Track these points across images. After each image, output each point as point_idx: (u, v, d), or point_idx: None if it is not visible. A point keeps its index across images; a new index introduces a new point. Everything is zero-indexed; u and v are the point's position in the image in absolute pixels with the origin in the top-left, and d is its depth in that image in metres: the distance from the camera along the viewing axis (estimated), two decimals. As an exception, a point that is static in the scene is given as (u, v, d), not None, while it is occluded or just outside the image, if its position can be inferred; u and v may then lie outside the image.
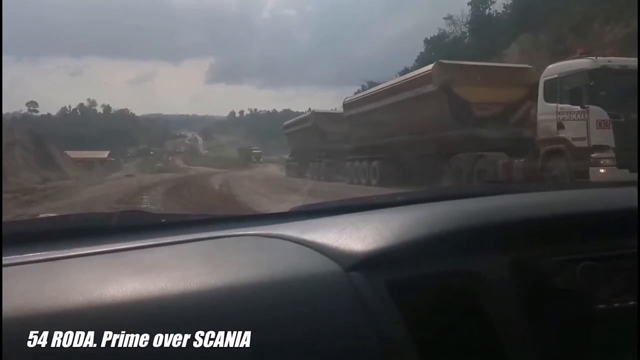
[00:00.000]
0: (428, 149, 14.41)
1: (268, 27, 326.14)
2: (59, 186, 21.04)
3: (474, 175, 12.01)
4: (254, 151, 73.00)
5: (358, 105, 20.05)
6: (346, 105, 21.72)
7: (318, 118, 26.65)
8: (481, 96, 12.92)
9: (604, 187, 1.23)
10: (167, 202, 12.26)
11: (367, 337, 0.65)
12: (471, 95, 13.02)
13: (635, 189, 1.02)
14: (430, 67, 14.46)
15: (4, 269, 0.71)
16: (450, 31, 39.25)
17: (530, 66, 14.82)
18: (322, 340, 0.64)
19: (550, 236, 0.84)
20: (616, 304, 0.78)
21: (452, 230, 0.80)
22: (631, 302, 0.78)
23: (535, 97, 11.06)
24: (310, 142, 26.31)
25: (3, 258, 0.74)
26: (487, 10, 36.00)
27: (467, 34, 37.04)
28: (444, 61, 14.86)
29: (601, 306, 0.77)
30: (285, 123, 35.10)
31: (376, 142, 17.85)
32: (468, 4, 36.66)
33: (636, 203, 0.93)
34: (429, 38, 40.92)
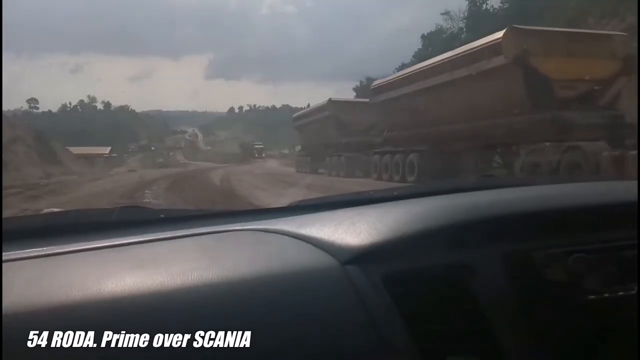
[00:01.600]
0: (490, 138, 11.58)
1: (267, 23, 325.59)
2: (62, 181, 21.00)
3: (561, 170, 9.41)
4: (256, 146, 72.11)
5: (392, 89, 16.47)
6: (375, 90, 18.29)
7: (336, 107, 22.72)
8: (566, 70, 10.00)
9: (603, 181, 1.24)
10: (168, 197, 12.25)
11: (363, 329, 0.65)
12: (554, 70, 9.95)
13: (635, 183, 1.03)
14: (499, 34, 10.99)
15: (5, 263, 0.71)
16: (447, 26, 39.17)
17: (624, 33, 12.05)
18: (319, 332, 0.64)
19: (542, 229, 0.85)
20: (606, 295, 0.78)
21: (446, 224, 0.81)
22: (620, 293, 0.79)
23: (629, 72, 9.23)
24: (326, 134, 22.80)
25: (5, 253, 0.74)
26: (484, 6, 35.89)
27: (464, 29, 36.91)
28: (518, 26, 11.22)
29: (592, 297, 0.78)
30: (296, 115, 31.60)
31: (415, 131, 14.86)
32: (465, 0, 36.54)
33: (631, 196, 0.93)
34: (426, 34, 40.82)
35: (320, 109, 24.34)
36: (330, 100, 23.65)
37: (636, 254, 0.82)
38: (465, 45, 13.12)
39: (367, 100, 22.51)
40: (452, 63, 12.73)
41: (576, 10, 22.32)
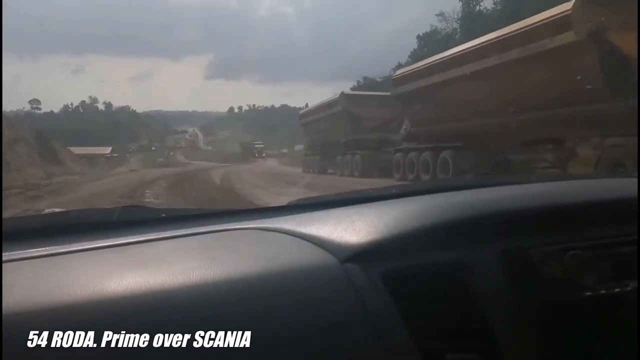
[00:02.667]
0: (546, 132, 9.80)
1: (266, 24, 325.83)
2: (63, 181, 20.97)
3: None
4: (257, 146, 71.51)
5: (419, 78, 13.98)
6: (398, 80, 15.68)
7: (350, 101, 20.33)
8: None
9: (602, 178, 1.24)
10: (169, 196, 12.24)
11: (362, 327, 0.65)
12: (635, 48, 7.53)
13: (631, 180, 1.02)
14: (567, 5, 8.83)
15: (6, 263, 0.70)
16: (442, 27, 39.31)
17: None
18: (319, 330, 0.63)
19: (539, 226, 0.84)
20: (603, 291, 0.78)
21: (444, 222, 0.80)
22: (617, 289, 0.79)
23: None
24: (339, 130, 20.45)
25: (5, 253, 0.74)
26: (478, 7, 35.97)
27: (459, 30, 37.00)
28: None
29: (588, 294, 0.78)
30: (302, 112, 29.31)
31: (448, 125, 12.71)
32: (459, 1, 36.65)
33: (627, 193, 0.93)
34: (421, 34, 40.90)
35: (331, 103, 21.80)
36: (343, 93, 21.49)
37: (632, 251, 0.82)
38: (518, 23, 10.47)
39: (382, 93, 20.89)
40: (501, 44, 10.36)
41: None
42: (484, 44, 11.29)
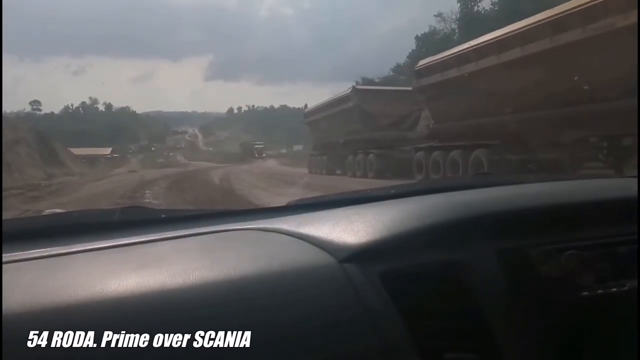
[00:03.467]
0: (605, 126, 8.11)
1: (265, 25, 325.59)
2: (63, 182, 20.94)
3: None
4: (257, 146, 69.77)
5: (446, 68, 12.41)
6: (421, 71, 13.95)
7: (362, 96, 18.53)
8: None
9: (600, 178, 1.24)
10: (169, 196, 12.23)
11: (361, 327, 0.65)
12: None
13: (629, 180, 1.03)
14: None
15: (7, 264, 0.70)
16: (440, 28, 39.32)
17: None
18: (318, 330, 0.63)
19: (537, 226, 0.85)
20: (600, 291, 0.78)
21: (442, 222, 0.80)
22: (614, 289, 0.79)
23: None
24: (349, 128, 18.96)
25: (7, 254, 0.74)
26: (476, 8, 36.00)
27: (457, 30, 37.02)
28: None
29: (586, 293, 0.78)
30: (308, 109, 27.05)
31: (484, 121, 11.07)
32: (457, 2, 36.67)
33: (625, 193, 0.94)
34: (419, 35, 40.92)
35: (341, 99, 19.86)
36: (355, 88, 19.58)
37: (630, 250, 0.82)
38: (570, 2, 8.77)
39: (396, 88, 20.23)
40: (550, 27, 8.83)
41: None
42: (524, 29, 9.59)
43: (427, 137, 14.40)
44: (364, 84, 27.54)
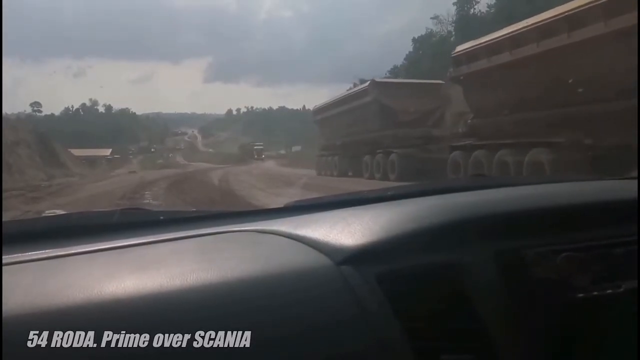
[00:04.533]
0: None
1: (264, 27, 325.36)
2: (63, 183, 20.90)
3: None
4: (256, 147, 68.35)
5: (494, 53, 10.48)
6: (460, 58, 11.93)
7: (382, 90, 16.60)
8: None
9: (596, 180, 1.24)
10: (168, 197, 12.22)
11: (358, 328, 0.65)
12: None
13: (628, 182, 1.03)
14: None
15: (6, 266, 0.70)
16: (437, 30, 39.34)
17: None
18: (315, 331, 0.63)
19: (532, 228, 0.84)
20: (595, 293, 0.78)
21: (438, 224, 0.80)
22: (609, 291, 0.79)
23: None
24: (366, 125, 17.05)
25: (6, 256, 0.73)
26: (472, 10, 36.05)
27: (453, 32, 37.07)
28: None
29: (581, 295, 0.78)
30: (318, 106, 24.27)
31: (545, 113, 9.03)
32: (453, 4, 36.73)
33: (620, 195, 0.94)
34: (416, 37, 40.96)
35: (358, 94, 18.01)
36: (374, 81, 17.67)
37: (625, 252, 0.82)
38: None
39: (419, 81, 18.41)
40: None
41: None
42: (591, 4, 7.83)
43: (465, 134, 12.27)
44: (361, 84, 24.90)
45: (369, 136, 17.06)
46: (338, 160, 20.08)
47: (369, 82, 17.71)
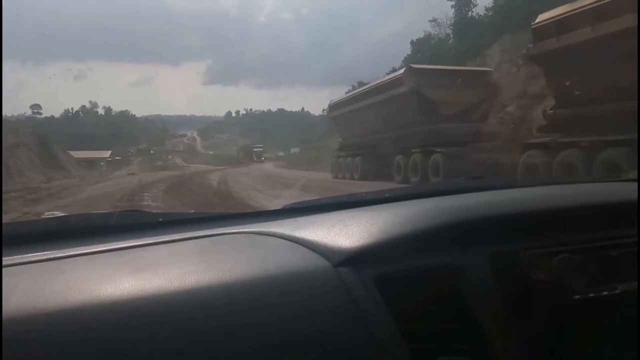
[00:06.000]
0: None
1: (264, 30, 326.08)
2: (63, 185, 20.88)
3: None
4: (255, 149, 67.31)
5: (600, 19, 7.72)
6: (543, 30, 9.11)
7: (420, 78, 13.76)
8: None
9: (591, 182, 1.24)
10: (167, 199, 12.20)
11: (355, 329, 0.65)
12: None
13: (622, 185, 1.03)
14: None
15: (6, 268, 0.70)
16: (435, 33, 39.35)
17: None
18: (312, 333, 0.63)
19: (529, 230, 0.85)
20: (591, 294, 0.78)
21: (435, 226, 0.80)
22: (605, 292, 0.79)
23: None
24: (399, 120, 14.36)
25: (5, 258, 0.73)
26: (470, 13, 36.10)
27: (451, 35, 37.12)
28: None
29: (577, 296, 0.78)
30: (335, 101, 21.10)
31: None
32: (452, 7, 36.76)
33: (617, 197, 0.94)
34: (415, 40, 40.98)
35: (390, 83, 15.23)
36: (410, 67, 14.85)
37: (620, 254, 0.82)
38: None
39: (461, 68, 15.80)
40: None
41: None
42: None
43: (546, 127, 9.74)
44: (359, 87, 22.46)
45: (402, 133, 14.39)
46: (360, 161, 17.31)
47: (403, 68, 14.84)
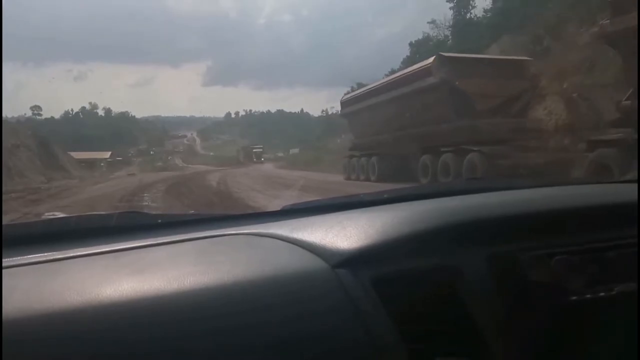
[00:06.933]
0: None
1: (264, 32, 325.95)
2: (63, 185, 20.86)
3: None
4: (255, 150, 66.24)
5: None
6: (622, 1, 7.53)
7: (452, 68, 11.93)
8: None
9: (589, 184, 1.24)
10: (167, 200, 12.20)
11: (353, 330, 0.65)
12: None
13: (619, 186, 1.03)
14: None
15: (6, 270, 0.70)
16: (434, 34, 39.35)
17: None
18: (310, 334, 0.63)
19: (527, 231, 0.85)
20: (588, 295, 0.79)
21: (433, 228, 0.81)
22: (602, 293, 0.79)
23: None
24: (426, 116, 12.54)
25: (5, 259, 0.73)
26: (468, 15, 36.13)
27: (450, 37, 37.13)
28: None
29: (574, 297, 0.78)
30: (347, 97, 19.29)
31: None
32: (450, 9, 36.78)
33: (613, 198, 0.94)
34: (413, 41, 41.00)
35: (417, 74, 13.16)
36: (441, 56, 12.80)
37: (617, 255, 0.83)
38: None
39: (496, 57, 14.19)
40: None
41: (556, 18, 22.59)
42: None
43: (620, 121, 8.08)
44: (358, 89, 20.82)
45: (428, 130, 12.65)
46: (377, 161, 15.62)
47: (432, 57, 12.78)
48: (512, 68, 12.53)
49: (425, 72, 12.76)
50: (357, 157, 17.48)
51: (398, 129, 14.25)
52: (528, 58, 13.36)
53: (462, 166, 11.33)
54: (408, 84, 13.54)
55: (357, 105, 17.47)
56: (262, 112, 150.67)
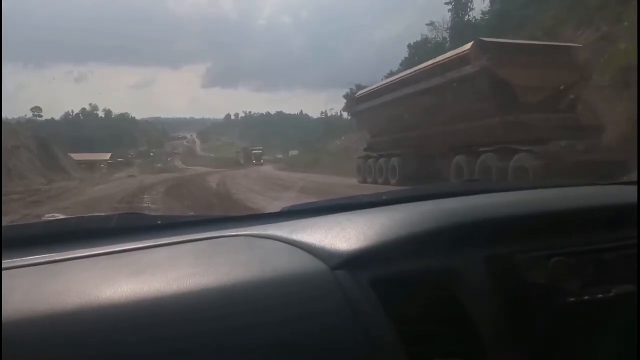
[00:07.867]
0: None
1: (264, 34, 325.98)
2: (63, 187, 20.82)
3: None
4: (255, 152, 65.24)
5: None
6: None
7: (495, 55, 10.20)
8: None
9: (587, 186, 1.24)
10: (167, 201, 12.19)
11: (352, 332, 0.65)
12: None
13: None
14: None
15: (6, 271, 0.70)
16: (432, 36, 39.38)
17: None
18: (310, 335, 0.63)
19: (524, 233, 0.85)
20: (586, 297, 0.79)
21: (432, 230, 0.81)
22: (599, 295, 0.79)
23: None
24: (461, 110, 10.88)
25: (5, 261, 0.73)
26: (467, 17, 36.19)
27: (448, 39, 37.16)
28: None
29: (572, 299, 0.78)
30: (363, 92, 17.42)
31: None
32: (449, 11, 36.84)
33: (611, 200, 0.94)
34: (412, 43, 41.04)
35: (452, 63, 11.39)
36: (480, 42, 10.99)
37: (615, 257, 0.83)
38: None
39: (542, 43, 12.29)
40: None
41: (553, 21, 22.64)
42: None
43: None
44: (357, 90, 19.31)
45: (463, 127, 11.04)
46: (399, 162, 13.76)
47: (471, 43, 11.06)
48: (560, 56, 10.98)
49: (462, 60, 11.06)
50: (375, 158, 15.54)
51: (425, 127, 12.60)
52: (578, 45, 11.84)
53: (508, 168, 9.65)
54: (438, 75, 11.78)
55: (373, 101, 15.67)
56: (262, 114, 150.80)
